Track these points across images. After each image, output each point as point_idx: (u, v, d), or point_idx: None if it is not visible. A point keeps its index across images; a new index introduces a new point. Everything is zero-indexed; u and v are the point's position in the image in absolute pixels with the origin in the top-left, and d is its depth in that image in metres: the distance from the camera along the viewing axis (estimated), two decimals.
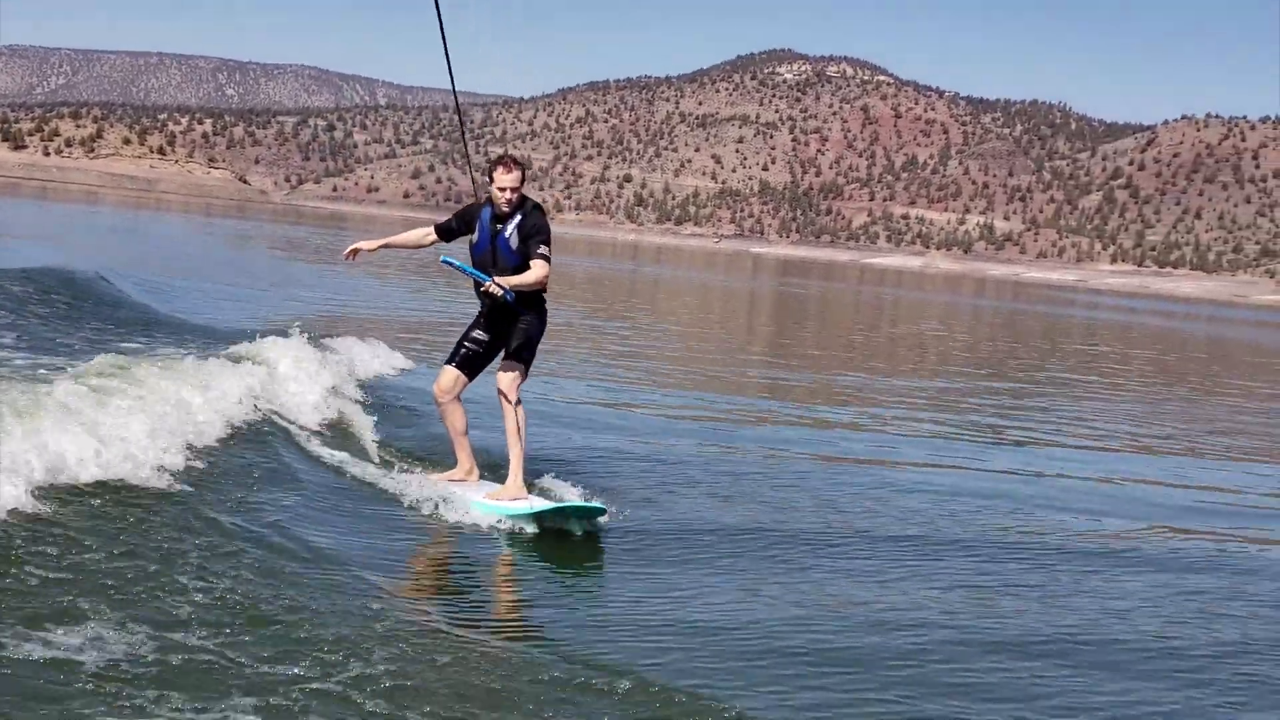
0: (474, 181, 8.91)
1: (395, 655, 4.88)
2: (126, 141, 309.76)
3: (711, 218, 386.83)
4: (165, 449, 6.75)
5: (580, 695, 4.83)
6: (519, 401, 8.07)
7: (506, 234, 7.84)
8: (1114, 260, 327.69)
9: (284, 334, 10.85)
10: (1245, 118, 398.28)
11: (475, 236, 8.04)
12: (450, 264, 7.96)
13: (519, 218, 7.84)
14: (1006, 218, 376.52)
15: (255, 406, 8.82)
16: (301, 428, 9.22)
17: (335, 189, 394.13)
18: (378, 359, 13.81)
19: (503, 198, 7.80)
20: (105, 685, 4.16)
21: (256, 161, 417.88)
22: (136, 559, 5.37)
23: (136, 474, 6.38)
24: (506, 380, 8.04)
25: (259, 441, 8.28)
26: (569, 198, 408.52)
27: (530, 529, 7.61)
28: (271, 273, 34.63)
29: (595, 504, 7.78)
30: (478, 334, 8.26)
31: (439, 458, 9.10)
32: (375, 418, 10.18)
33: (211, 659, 4.51)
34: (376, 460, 8.99)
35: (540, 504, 7.78)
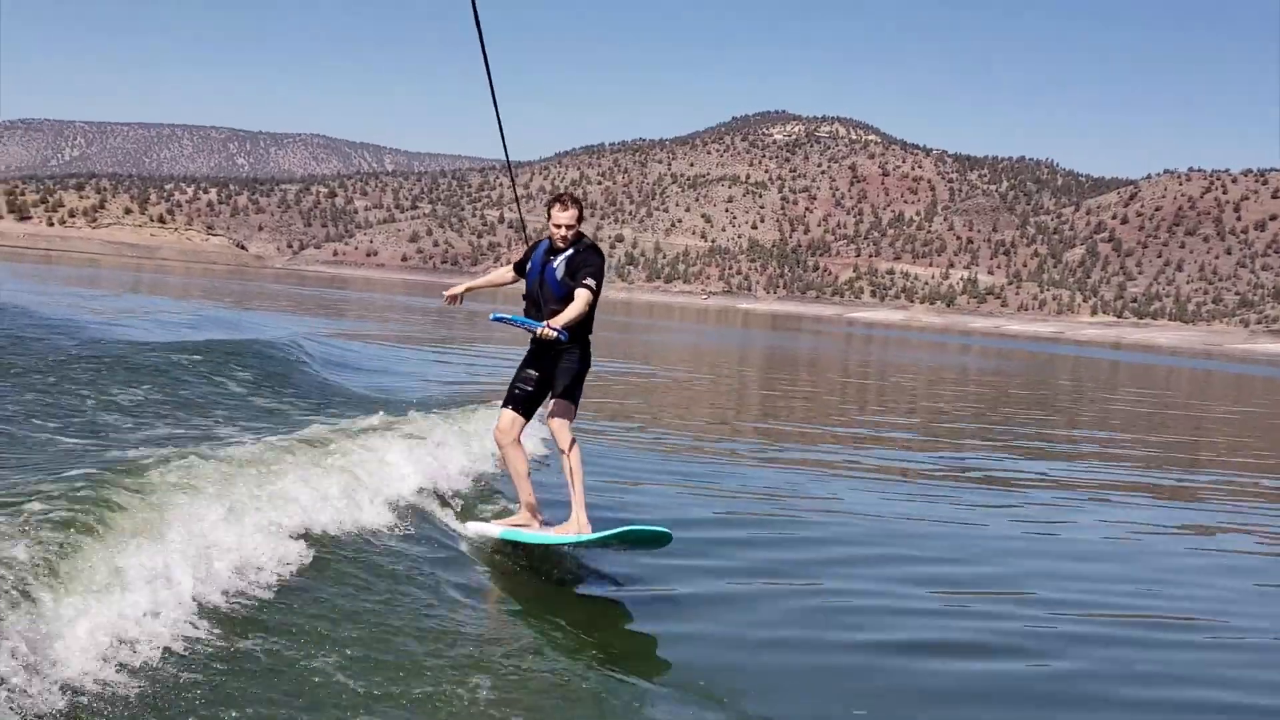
0: (523, 226, 10.61)
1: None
2: (128, 211, 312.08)
3: (700, 275, 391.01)
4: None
5: None
6: (574, 441, 8.09)
7: (554, 265, 7.99)
8: (1094, 312, 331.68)
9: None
10: (1228, 171, 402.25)
11: (529, 268, 8.21)
12: (501, 320, 8.12)
13: (570, 252, 7.97)
14: (990, 272, 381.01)
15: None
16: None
17: (335, 253, 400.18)
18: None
19: (559, 233, 7.97)
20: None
21: (260, 229, 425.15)
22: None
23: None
24: (557, 424, 8.11)
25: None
26: None
27: (595, 550, 8.17)
28: None
29: (659, 528, 7.91)
30: (529, 372, 8.31)
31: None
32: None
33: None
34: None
35: (600, 531, 7.89)
